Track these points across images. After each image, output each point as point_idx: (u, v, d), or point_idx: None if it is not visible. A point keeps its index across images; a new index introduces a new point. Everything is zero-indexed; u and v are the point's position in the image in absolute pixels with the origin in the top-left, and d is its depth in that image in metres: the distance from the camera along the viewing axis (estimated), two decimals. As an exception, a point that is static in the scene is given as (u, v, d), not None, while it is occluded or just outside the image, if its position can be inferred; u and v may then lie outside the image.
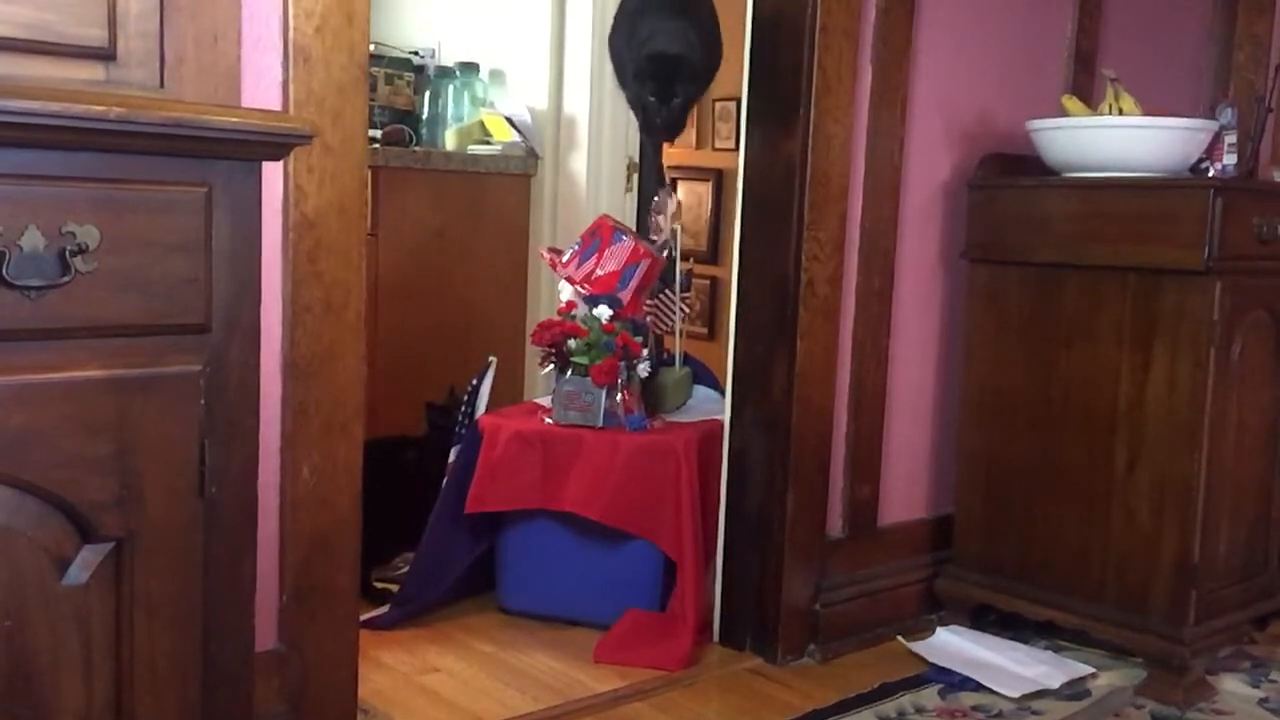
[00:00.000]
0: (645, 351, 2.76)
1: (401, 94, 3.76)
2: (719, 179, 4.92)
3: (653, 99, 3.02)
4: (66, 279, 1.07)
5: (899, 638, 2.66)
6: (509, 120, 3.61)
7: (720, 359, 2.73)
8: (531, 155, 3.61)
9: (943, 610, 2.76)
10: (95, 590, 1.14)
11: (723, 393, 2.75)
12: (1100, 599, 2.49)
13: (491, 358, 2.94)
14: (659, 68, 3.00)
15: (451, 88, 3.76)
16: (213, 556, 1.21)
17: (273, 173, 1.72)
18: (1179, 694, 2.36)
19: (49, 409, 1.09)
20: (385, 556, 2.79)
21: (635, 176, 3.61)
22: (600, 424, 2.64)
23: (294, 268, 1.80)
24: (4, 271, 1.04)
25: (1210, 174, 2.60)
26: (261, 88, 1.73)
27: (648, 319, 2.90)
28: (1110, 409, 2.47)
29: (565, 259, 2.88)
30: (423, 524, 2.70)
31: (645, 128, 3.12)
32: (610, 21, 3.38)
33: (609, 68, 3.51)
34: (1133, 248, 2.42)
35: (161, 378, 1.16)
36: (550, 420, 2.69)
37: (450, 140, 3.67)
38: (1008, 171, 2.75)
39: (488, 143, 3.62)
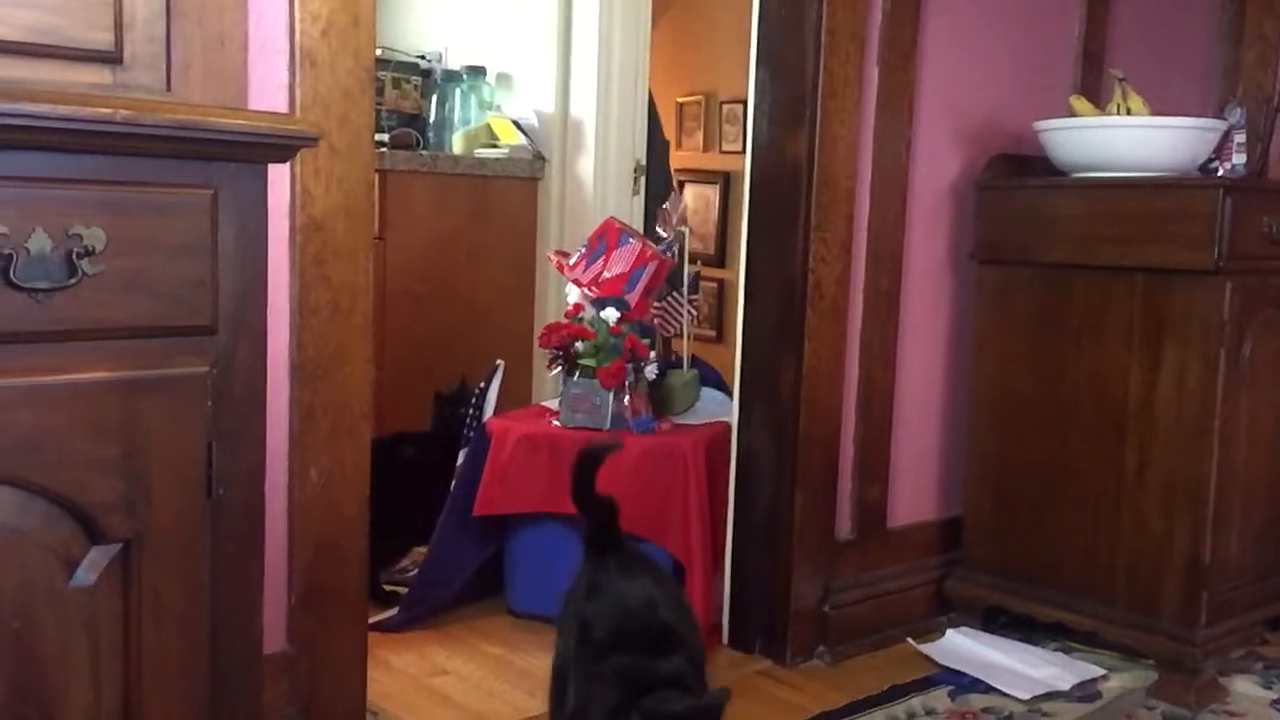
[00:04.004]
0: (653, 354, 2.76)
1: (408, 97, 3.77)
2: (726, 181, 4.92)
3: None
4: (73, 281, 1.08)
5: (909, 639, 2.65)
6: (516, 123, 3.62)
7: (728, 361, 2.73)
8: (538, 158, 3.61)
9: (952, 612, 2.75)
10: (103, 591, 1.14)
11: (730, 395, 2.74)
12: (1111, 600, 2.48)
13: (499, 361, 2.94)
14: None
15: (458, 91, 3.76)
16: (220, 558, 1.21)
17: (279, 176, 1.72)
18: (1191, 696, 2.35)
19: (56, 410, 1.09)
20: (386, 554, 2.76)
21: (642, 179, 3.62)
22: (608, 426, 2.64)
23: (301, 270, 1.80)
24: (12, 274, 1.05)
25: (1219, 174, 2.59)
26: (268, 91, 1.73)
27: (655, 321, 2.90)
28: (1120, 410, 2.46)
29: (572, 261, 2.87)
30: (421, 520, 2.70)
31: None
32: (618, 24, 3.38)
33: (616, 70, 3.52)
34: (1142, 248, 2.41)
35: (168, 379, 1.16)
36: (558, 423, 2.69)
37: (457, 144, 3.67)
38: (1016, 172, 2.75)
39: (495, 146, 3.63)
